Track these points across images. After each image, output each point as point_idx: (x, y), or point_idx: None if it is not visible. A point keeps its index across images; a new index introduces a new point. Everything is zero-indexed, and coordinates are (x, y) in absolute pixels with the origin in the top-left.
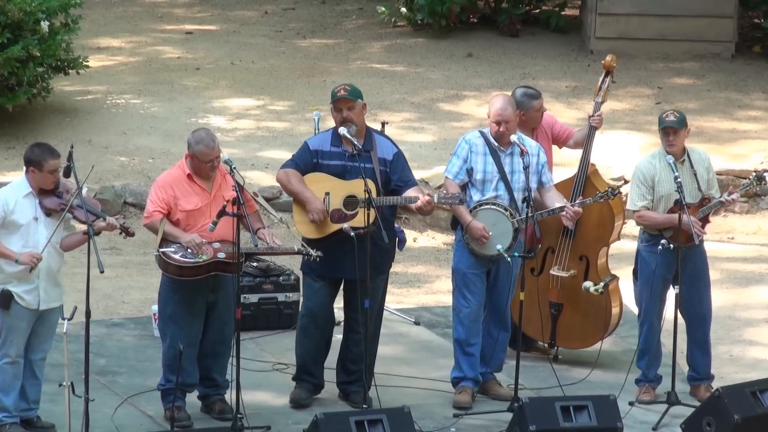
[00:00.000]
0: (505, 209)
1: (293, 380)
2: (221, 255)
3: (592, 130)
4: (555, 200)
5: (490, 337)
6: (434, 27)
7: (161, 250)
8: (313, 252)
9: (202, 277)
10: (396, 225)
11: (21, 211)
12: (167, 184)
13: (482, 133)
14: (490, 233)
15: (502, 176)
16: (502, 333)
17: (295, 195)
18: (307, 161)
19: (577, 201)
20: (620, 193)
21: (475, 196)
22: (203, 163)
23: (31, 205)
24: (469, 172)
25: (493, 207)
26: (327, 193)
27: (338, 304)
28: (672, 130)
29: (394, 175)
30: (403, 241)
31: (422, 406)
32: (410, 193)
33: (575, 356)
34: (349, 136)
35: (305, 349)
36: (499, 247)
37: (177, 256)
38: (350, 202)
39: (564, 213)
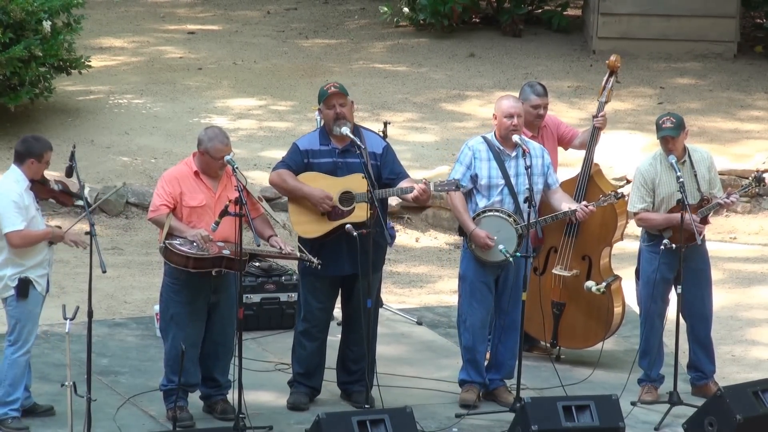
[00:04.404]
0: (509, 215)
1: (289, 384)
2: (226, 252)
3: (596, 130)
4: (562, 201)
5: (501, 343)
6: (437, 27)
7: (167, 241)
8: (314, 260)
9: (206, 271)
10: (388, 222)
11: (29, 203)
12: (174, 179)
13: (485, 139)
14: (495, 239)
15: (507, 181)
16: (511, 338)
17: (293, 193)
18: (298, 162)
19: (581, 204)
20: (623, 196)
21: (481, 202)
22: (215, 159)
23: (30, 197)
24: (474, 178)
25: (496, 214)
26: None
27: (337, 304)
28: (670, 138)
29: (385, 169)
30: (393, 237)
31: (425, 407)
32: (404, 184)
33: (577, 356)
34: (351, 135)
35: (306, 354)
36: (501, 247)
37: (184, 248)
38: (346, 198)
39: (577, 216)
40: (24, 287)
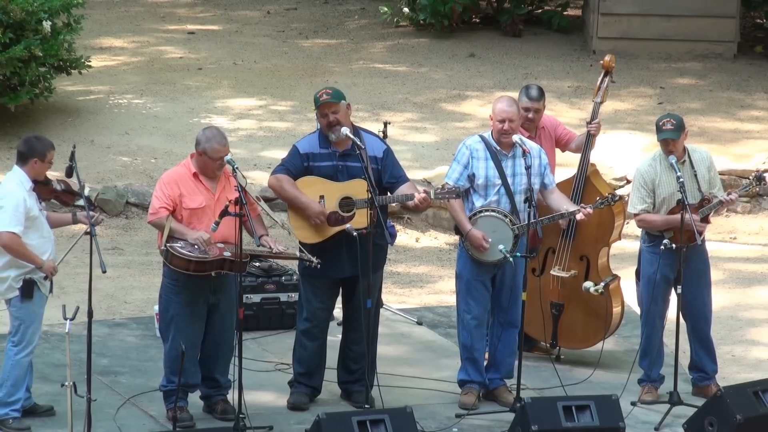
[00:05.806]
0: (505, 215)
1: (289, 385)
2: (227, 254)
3: (590, 137)
4: (559, 202)
5: (500, 342)
6: (437, 27)
7: (168, 244)
8: (314, 259)
9: (207, 274)
10: (387, 220)
11: (32, 205)
12: (173, 181)
13: (483, 138)
14: (490, 241)
15: (503, 181)
16: (510, 336)
17: (291, 201)
18: (298, 165)
19: (579, 207)
20: (621, 199)
21: (478, 202)
22: (213, 160)
23: (33, 198)
24: (471, 177)
25: (492, 214)
26: (321, 197)
27: (337, 304)
28: (671, 141)
29: (385, 173)
30: (393, 235)
31: (425, 407)
32: (404, 189)
33: (577, 356)
34: (351, 136)
35: (307, 354)
36: (501, 247)
37: (185, 251)
38: (346, 203)
39: (577, 218)
40: (29, 288)
